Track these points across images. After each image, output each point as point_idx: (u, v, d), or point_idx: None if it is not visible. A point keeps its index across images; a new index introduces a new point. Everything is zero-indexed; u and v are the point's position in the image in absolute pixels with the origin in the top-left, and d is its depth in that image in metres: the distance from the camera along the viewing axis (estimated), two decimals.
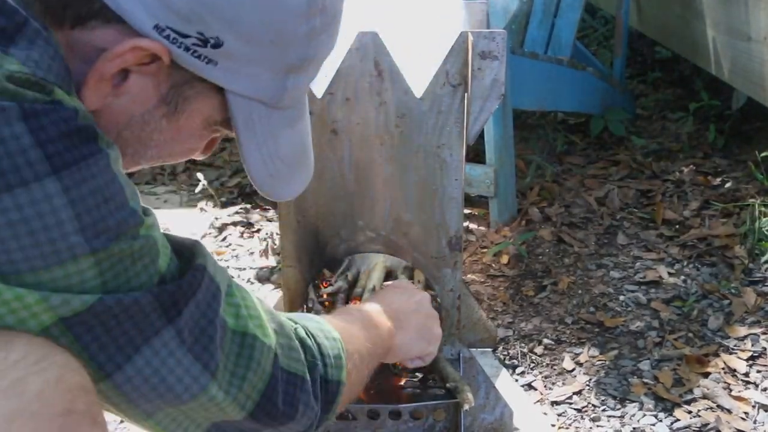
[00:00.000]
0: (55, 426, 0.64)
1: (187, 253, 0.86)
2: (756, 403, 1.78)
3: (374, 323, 1.21)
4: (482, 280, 2.35)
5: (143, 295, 0.75)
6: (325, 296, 1.62)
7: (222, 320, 0.84)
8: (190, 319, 0.79)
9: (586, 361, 1.96)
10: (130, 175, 0.83)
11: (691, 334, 2.03)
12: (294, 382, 0.91)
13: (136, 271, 0.75)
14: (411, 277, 1.67)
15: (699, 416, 1.75)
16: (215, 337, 0.82)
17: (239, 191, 3.04)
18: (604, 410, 1.80)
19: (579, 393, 1.86)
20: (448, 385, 1.52)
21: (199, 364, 0.80)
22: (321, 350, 0.98)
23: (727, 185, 2.76)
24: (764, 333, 2.02)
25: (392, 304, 1.29)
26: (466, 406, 1.45)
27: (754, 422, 1.73)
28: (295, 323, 0.99)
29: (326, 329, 1.03)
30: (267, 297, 2.30)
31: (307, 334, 0.98)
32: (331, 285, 1.61)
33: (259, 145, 0.87)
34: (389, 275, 1.71)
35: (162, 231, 0.83)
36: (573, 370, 1.94)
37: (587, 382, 1.88)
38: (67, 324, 0.71)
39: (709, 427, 1.71)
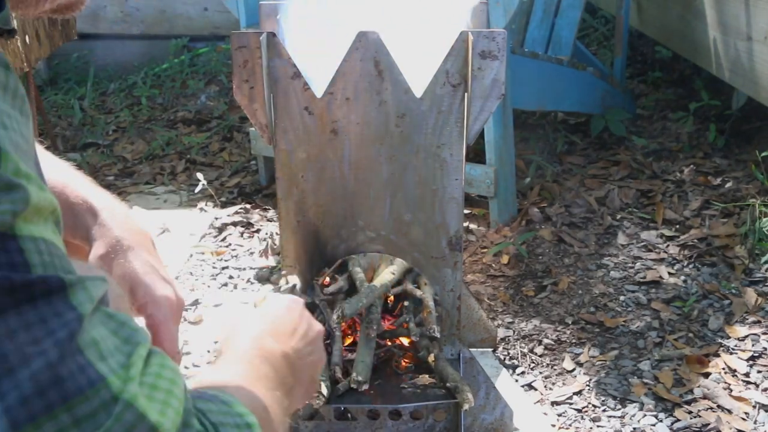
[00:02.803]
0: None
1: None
2: (756, 403, 1.78)
3: (279, 379, 0.91)
4: (482, 280, 2.35)
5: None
6: (324, 295, 1.62)
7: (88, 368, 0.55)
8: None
9: (586, 362, 1.96)
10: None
11: (691, 335, 2.03)
12: None
13: None
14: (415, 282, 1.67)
15: (699, 416, 1.74)
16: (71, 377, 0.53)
17: (239, 191, 3.04)
18: (604, 410, 1.79)
19: (579, 393, 1.85)
20: (448, 385, 1.52)
21: None
22: None
23: (728, 185, 2.75)
24: (765, 333, 2.02)
25: (286, 343, 0.96)
26: (466, 406, 1.45)
27: (755, 422, 1.73)
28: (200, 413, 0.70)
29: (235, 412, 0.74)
30: (267, 297, 2.30)
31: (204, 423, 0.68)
32: (333, 284, 1.60)
33: None
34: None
35: None
36: (573, 370, 1.94)
37: (587, 383, 1.88)
38: None
39: (709, 427, 1.71)
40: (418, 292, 1.63)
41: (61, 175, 1.15)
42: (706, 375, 1.88)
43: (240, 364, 0.89)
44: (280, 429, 0.84)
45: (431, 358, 1.57)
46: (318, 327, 1.03)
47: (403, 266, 1.69)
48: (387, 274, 1.65)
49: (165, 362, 0.62)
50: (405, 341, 1.71)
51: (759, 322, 2.06)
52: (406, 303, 1.67)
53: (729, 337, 2.01)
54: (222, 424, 0.71)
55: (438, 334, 1.54)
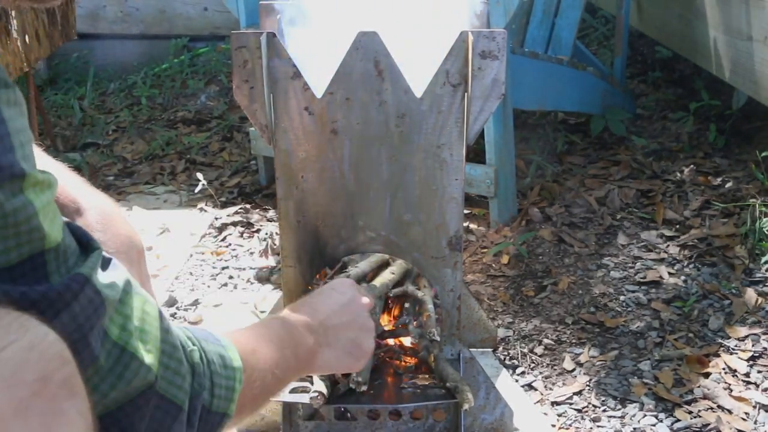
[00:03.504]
0: (28, 392, 0.62)
1: (83, 239, 0.79)
2: (756, 403, 1.78)
3: (294, 340, 1.13)
4: (482, 280, 2.35)
5: (9, 291, 0.67)
6: None
7: (101, 332, 0.77)
8: (62, 331, 0.70)
9: (586, 362, 1.96)
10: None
11: (691, 335, 2.03)
12: (168, 409, 0.84)
13: (5, 236, 0.67)
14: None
15: (699, 416, 1.74)
16: (83, 353, 0.74)
17: (239, 191, 3.04)
18: (604, 410, 1.79)
19: (579, 393, 1.85)
20: (448, 384, 1.51)
21: None
22: (213, 379, 0.92)
23: (728, 185, 2.75)
24: (765, 333, 2.02)
25: (321, 313, 1.21)
26: (466, 406, 1.45)
27: (755, 422, 1.73)
28: (194, 344, 0.91)
29: (227, 356, 0.95)
30: (267, 297, 2.30)
31: (201, 359, 0.91)
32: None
33: None
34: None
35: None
36: (573, 370, 1.94)
37: (587, 383, 1.88)
38: None
39: (709, 427, 1.71)
40: (419, 293, 1.63)
41: None
42: (707, 375, 1.88)
43: (259, 325, 1.13)
44: (270, 374, 1.03)
45: (431, 358, 1.57)
46: (362, 300, 1.27)
47: (402, 266, 1.69)
48: (387, 273, 1.65)
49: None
50: (406, 341, 1.71)
51: (759, 322, 2.06)
52: (406, 305, 1.67)
53: (729, 337, 2.01)
54: (205, 340, 0.93)
55: (438, 337, 1.54)
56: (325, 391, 1.44)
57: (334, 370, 1.26)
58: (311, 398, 1.41)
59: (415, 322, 1.64)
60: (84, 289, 0.74)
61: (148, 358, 0.81)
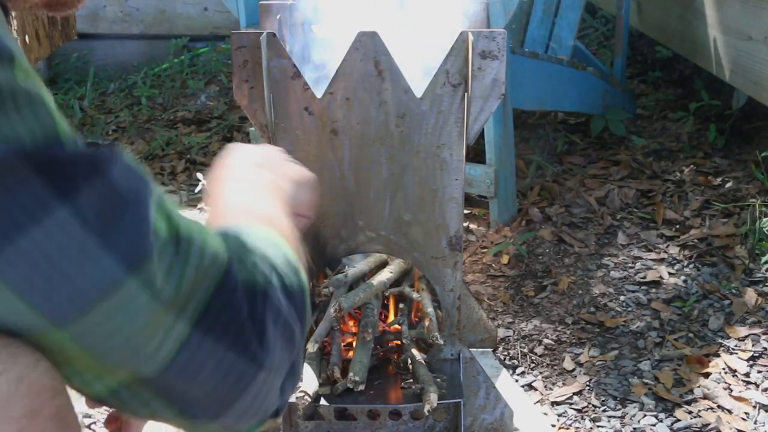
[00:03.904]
0: (15, 428, 0.59)
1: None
2: (756, 403, 1.78)
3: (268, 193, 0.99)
4: (482, 280, 2.35)
5: (9, 153, 0.57)
6: (323, 295, 1.62)
7: (152, 216, 0.64)
8: (97, 200, 0.60)
9: (586, 362, 1.96)
10: None
11: (691, 335, 2.03)
12: (253, 297, 0.71)
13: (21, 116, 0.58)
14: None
15: (699, 416, 1.74)
16: (140, 225, 0.62)
17: None
18: (604, 410, 1.79)
19: (579, 393, 1.85)
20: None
21: (113, 253, 0.60)
22: (272, 262, 0.77)
23: (728, 185, 2.75)
24: (765, 333, 2.02)
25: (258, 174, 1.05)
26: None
27: (755, 422, 1.73)
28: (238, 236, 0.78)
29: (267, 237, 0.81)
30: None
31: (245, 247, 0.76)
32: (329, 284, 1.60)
33: None
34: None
35: None
36: (573, 370, 1.94)
37: (587, 383, 1.88)
38: None
39: (709, 427, 1.71)
40: (414, 295, 1.63)
41: None
42: (707, 375, 1.88)
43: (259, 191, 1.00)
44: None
45: (409, 359, 1.57)
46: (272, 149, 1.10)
47: (401, 266, 1.69)
48: (385, 272, 1.66)
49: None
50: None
51: (759, 322, 2.06)
52: (401, 305, 1.67)
53: (729, 337, 2.01)
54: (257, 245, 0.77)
55: (442, 341, 1.54)
56: (311, 391, 1.44)
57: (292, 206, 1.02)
58: (297, 398, 1.42)
59: (407, 323, 1.64)
60: (117, 159, 0.63)
61: (212, 241, 0.69)
